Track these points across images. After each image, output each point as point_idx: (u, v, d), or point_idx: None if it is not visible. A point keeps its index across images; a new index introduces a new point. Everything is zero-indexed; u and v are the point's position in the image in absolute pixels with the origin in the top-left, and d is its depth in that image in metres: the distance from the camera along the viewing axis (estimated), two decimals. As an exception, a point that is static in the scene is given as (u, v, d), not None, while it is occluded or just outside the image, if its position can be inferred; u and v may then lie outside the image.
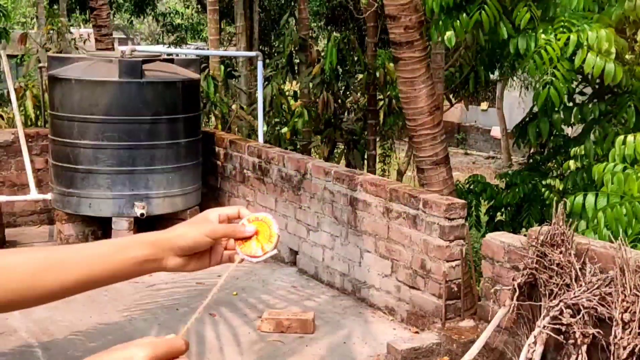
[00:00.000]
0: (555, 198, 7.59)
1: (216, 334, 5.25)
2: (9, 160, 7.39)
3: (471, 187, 8.44)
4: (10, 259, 1.14)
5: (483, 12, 5.76)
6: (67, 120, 6.65)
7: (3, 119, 8.09)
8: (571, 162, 7.14)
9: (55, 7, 12.85)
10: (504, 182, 8.33)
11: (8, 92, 7.93)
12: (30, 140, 7.40)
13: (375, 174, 8.74)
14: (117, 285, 5.88)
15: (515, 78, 14.76)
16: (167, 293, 5.97)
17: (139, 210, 6.53)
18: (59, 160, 6.77)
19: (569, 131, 8.59)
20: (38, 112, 8.32)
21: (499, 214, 8.37)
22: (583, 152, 6.91)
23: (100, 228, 6.94)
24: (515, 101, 17.84)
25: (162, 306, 5.69)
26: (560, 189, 7.60)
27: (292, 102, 8.88)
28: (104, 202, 6.61)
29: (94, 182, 6.58)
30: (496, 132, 18.60)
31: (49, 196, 7.10)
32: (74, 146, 6.63)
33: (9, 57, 8.97)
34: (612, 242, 4.53)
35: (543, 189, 7.82)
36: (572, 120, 6.84)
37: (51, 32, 9.00)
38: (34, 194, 7.19)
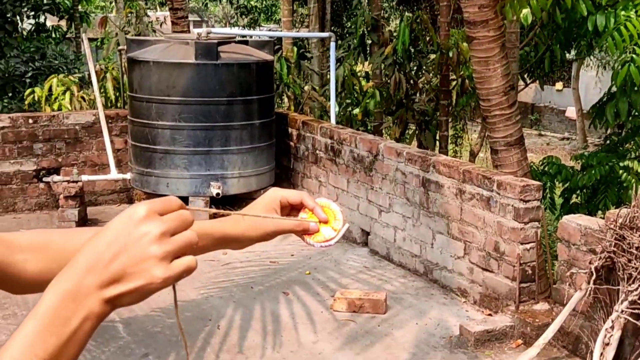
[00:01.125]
0: (633, 180, 7.43)
1: (290, 313, 5.34)
2: (90, 140, 7.64)
3: (546, 168, 8.31)
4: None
5: (562, -11, 5.64)
6: (145, 101, 6.83)
7: (85, 100, 8.35)
8: (649, 143, 6.97)
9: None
10: (580, 163, 8.17)
11: (89, 75, 8.18)
12: (110, 121, 7.62)
13: (447, 155, 8.68)
14: (194, 263, 6.01)
15: (592, 57, 14.39)
16: (242, 272, 6.10)
17: (215, 190, 6.67)
18: (137, 141, 6.96)
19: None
20: (118, 94, 8.56)
21: (574, 196, 8.22)
22: (664, 133, 6.73)
23: (177, 207, 7.11)
24: (592, 81, 17.39)
25: (237, 284, 5.82)
26: (639, 170, 7.42)
27: (363, 83, 8.88)
28: (181, 182, 6.78)
29: (171, 162, 6.75)
30: (571, 112, 18.18)
31: (128, 176, 7.32)
32: (152, 127, 6.81)
33: (90, 40, 9.24)
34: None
35: (620, 171, 7.66)
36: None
37: (130, 15, 9.22)
38: (114, 174, 7.43)
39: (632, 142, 8.26)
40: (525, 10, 5.85)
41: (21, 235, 1.16)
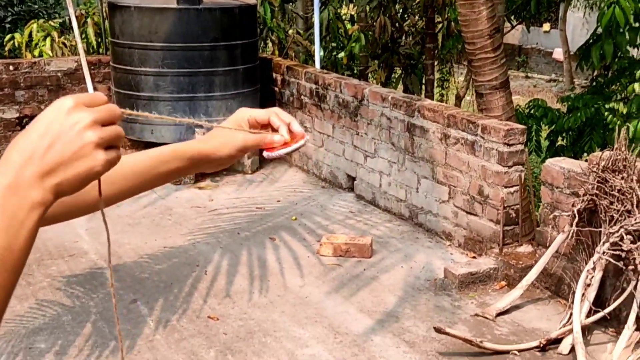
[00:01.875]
0: (618, 122, 7.46)
1: (277, 257, 5.38)
2: (72, 87, 7.56)
3: (532, 111, 8.31)
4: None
5: None
6: (127, 47, 6.74)
7: (66, 46, 8.22)
8: (636, 85, 6.97)
9: None
10: (566, 106, 8.18)
11: (70, 20, 8.05)
12: (92, 67, 7.53)
13: (433, 98, 8.66)
14: (179, 210, 6.04)
15: (578, -2, 14.27)
16: (228, 217, 6.12)
17: (199, 136, 6.64)
18: (121, 88, 6.90)
19: (634, 52, 8.34)
20: (99, 40, 8.43)
21: (559, 138, 8.24)
22: (649, 74, 6.73)
23: (162, 154, 7.09)
24: (579, 22, 17.27)
25: (224, 230, 5.85)
26: (624, 112, 7.44)
27: (348, 26, 8.79)
28: (166, 129, 6.75)
29: (155, 109, 6.71)
30: (558, 54, 18.09)
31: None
32: (135, 73, 6.73)
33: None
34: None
35: (606, 113, 7.67)
36: (638, 41, 6.63)
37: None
38: (97, 121, 7.36)
39: (617, 84, 8.26)
40: (511, -49, 5.75)
41: None
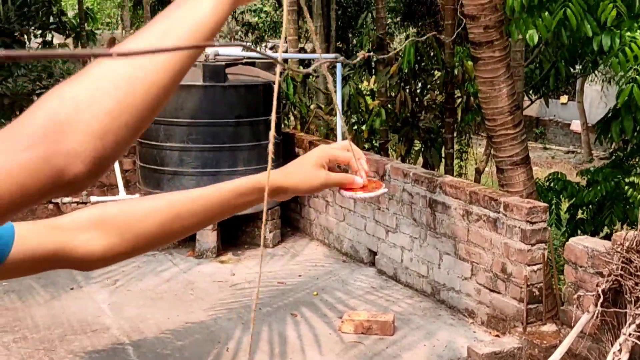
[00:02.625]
0: (639, 196, 7.45)
1: (298, 334, 5.36)
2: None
3: (551, 184, 8.33)
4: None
5: (568, 9, 5.68)
6: (153, 123, 6.86)
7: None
8: (656, 159, 6.99)
9: (140, 8, 13.21)
10: (585, 179, 8.19)
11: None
12: (117, 142, 7.65)
13: (453, 172, 8.71)
14: (202, 285, 6.06)
15: (596, 72, 14.43)
16: (250, 292, 6.13)
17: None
18: (146, 162, 7.01)
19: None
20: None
21: (579, 212, 8.23)
22: (670, 150, 6.76)
23: (184, 227, 7.15)
24: (596, 94, 17.41)
25: (246, 305, 5.85)
26: (644, 186, 7.44)
27: (369, 101, 8.92)
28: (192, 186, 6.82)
29: (179, 184, 6.80)
30: (576, 126, 18.19)
31: (136, 197, 7.37)
32: (160, 148, 6.85)
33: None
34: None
35: (626, 187, 7.67)
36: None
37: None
38: (122, 194, 7.47)
39: (637, 158, 8.29)
40: (531, 31, 5.88)
41: (78, 214, 1.19)
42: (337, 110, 7.61)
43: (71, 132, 0.78)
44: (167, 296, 6.03)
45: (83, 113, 0.79)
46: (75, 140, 0.78)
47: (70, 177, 0.79)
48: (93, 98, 0.80)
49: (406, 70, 8.46)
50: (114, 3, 20.00)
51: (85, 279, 6.39)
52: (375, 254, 6.57)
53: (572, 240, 4.76)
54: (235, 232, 7.30)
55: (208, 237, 6.83)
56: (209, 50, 6.99)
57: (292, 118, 8.89)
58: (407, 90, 8.75)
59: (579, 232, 8.26)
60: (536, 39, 6.03)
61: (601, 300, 4.31)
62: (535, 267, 5.04)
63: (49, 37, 12.72)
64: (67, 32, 13.02)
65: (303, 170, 1.33)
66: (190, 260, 6.86)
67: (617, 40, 5.77)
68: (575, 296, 4.59)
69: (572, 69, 9.06)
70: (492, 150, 6.60)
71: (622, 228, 8.54)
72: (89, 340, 5.19)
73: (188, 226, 1.26)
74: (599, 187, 7.73)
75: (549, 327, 5.00)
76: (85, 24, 13.62)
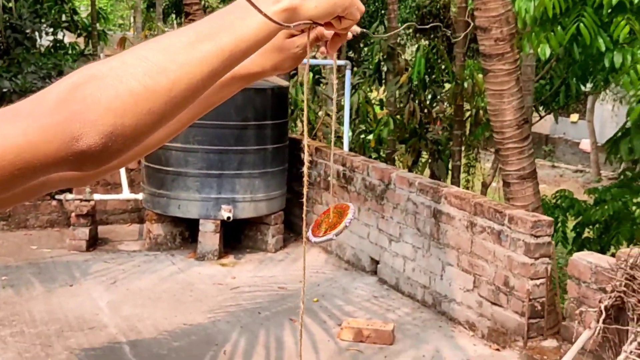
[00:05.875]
0: (646, 217, 7.38)
1: (295, 340, 5.31)
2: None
3: (558, 202, 8.28)
4: None
5: (582, 24, 5.64)
6: (159, 123, 6.85)
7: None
8: (664, 180, 6.93)
9: (152, 10, 13.24)
10: (593, 198, 8.13)
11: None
12: (124, 141, 7.64)
13: (459, 185, 8.67)
14: (201, 286, 6.02)
15: (608, 91, 14.37)
16: (249, 296, 6.08)
17: (225, 213, 6.68)
18: (150, 162, 6.99)
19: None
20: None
21: (586, 230, 8.17)
22: (678, 170, 6.70)
23: (187, 229, 7.13)
24: (607, 114, 17.35)
25: (245, 309, 5.81)
26: (653, 207, 7.38)
27: (377, 110, 8.90)
28: (192, 204, 6.79)
29: (183, 184, 6.77)
30: (585, 145, 18.12)
31: (140, 196, 7.35)
32: (165, 148, 6.83)
33: (107, 59, 9.27)
34: None
35: (634, 207, 7.61)
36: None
37: (148, 36, 9.30)
38: (126, 194, 7.45)
39: (646, 178, 8.23)
40: (543, 45, 5.84)
41: None
42: (345, 118, 7.58)
43: (93, 104, 0.81)
44: (165, 296, 5.99)
45: (108, 89, 0.82)
46: (95, 112, 0.81)
47: (83, 147, 0.81)
48: (120, 78, 0.83)
49: (416, 81, 8.45)
50: (127, 5, 20.07)
51: (83, 275, 6.36)
52: (377, 262, 6.52)
53: (575, 255, 4.71)
54: (237, 235, 7.27)
55: (210, 240, 6.80)
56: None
57: (299, 124, 8.87)
58: (416, 102, 8.73)
59: (585, 250, 8.20)
60: (548, 53, 5.99)
61: (603, 316, 4.26)
62: (538, 282, 4.98)
63: (60, 35, 12.75)
64: (79, 31, 13.05)
65: (271, 50, 1.21)
66: (190, 261, 6.82)
67: (629, 58, 5.73)
68: (578, 312, 4.53)
69: (583, 87, 9.02)
70: (500, 163, 6.56)
71: (628, 247, 8.47)
72: (86, 338, 5.15)
73: (189, 116, 1.29)
74: (606, 207, 7.67)
75: (550, 343, 4.94)
76: (97, 24, 13.65)
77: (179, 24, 18.56)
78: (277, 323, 5.57)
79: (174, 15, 16.96)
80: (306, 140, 1.27)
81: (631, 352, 4.02)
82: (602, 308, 4.25)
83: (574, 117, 18.76)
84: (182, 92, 0.87)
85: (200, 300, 5.95)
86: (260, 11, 0.93)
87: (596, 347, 4.42)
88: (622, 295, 4.19)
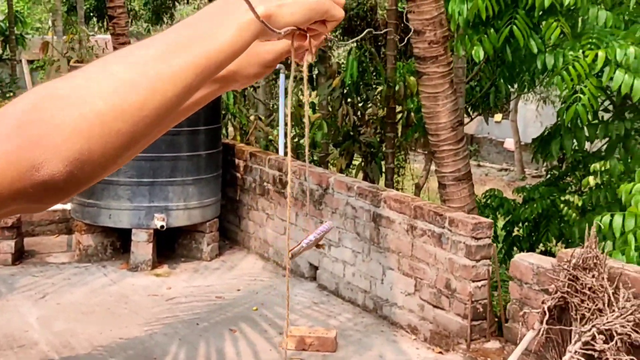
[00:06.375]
0: (574, 215, 7.54)
1: (236, 351, 5.19)
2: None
3: (488, 201, 8.38)
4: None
5: (515, 27, 5.70)
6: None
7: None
8: (590, 178, 7.08)
9: (73, 14, 12.86)
10: (521, 196, 8.26)
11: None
12: (49, 149, 7.35)
13: (393, 186, 8.68)
14: (136, 298, 5.82)
15: (531, 91, 14.71)
16: (186, 307, 5.92)
17: (158, 222, 6.49)
18: (78, 171, 6.73)
19: (587, 146, 8.53)
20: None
21: (516, 229, 8.29)
22: (604, 168, 6.86)
23: (119, 239, 6.90)
24: (530, 114, 17.76)
25: (182, 320, 5.64)
26: (579, 205, 7.54)
27: (310, 113, 8.84)
28: (124, 213, 6.58)
29: (114, 193, 6.55)
30: (510, 144, 18.52)
31: (68, 206, 7.07)
32: (94, 156, 6.60)
33: (27, 62, 8.95)
34: (640, 264, 4.47)
35: (561, 205, 7.75)
36: (597, 137, 6.78)
37: (72, 40, 8.98)
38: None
39: (571, 176, 8.41)
40: (477, 47, 5.89)
41: None
42: (280, 123, 7.48)
43: (54, 127, 0.72)
44: (99, 310, 5.77)
45: (72, 110, 0.73)
46: (58, 137, 0.72)
47: (44, 176, 0.72)
48: (85, 96, 0.75)
49: (348, 84, 8.42)
50: (44, 8, 19.44)
51: (10, 290, 6.07)
52: (316, 268, 6.45)
53: (517, 256, 4.74)
54: (171, 244, 7.08)
55: (143, 249, 6.59)
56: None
57: (231, 128, 8.72)
58: (349, 105, 8.70)
59: (515, 248, 8.34)
60: (482, 56, 6.04)
61: (546, 317, 4.29)
62: (479, 284, 5.00)
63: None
64: (-4, 35, 12.58)
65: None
66: (123, 272, 6.60)
67: (561, 59, 5.82)
68: (521, 313, 4.56)
69: (510, 87, 9.18)
70: (435, 165, 6.58)
71: (556, 245, 8.66)
72: (16, 356, 4.90)
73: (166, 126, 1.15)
74: (535, 205, 7.81)
75: (493, 344, 4.96)
76: (15, 28, 13.18)
77: (101, 28, 18.11)
78: (216, 334, 5.43)
79: (95, 19, 16.52)
80: (289, 159, 1.18)
81: (576, 352, 4.05)
82: (546, 309, 4.28)
83: (498, 117, 19.15)
84: (155, 110, 0.78)
85: (135, 312, 5.75)
86: (254, 13, 0.85)
87: (540, 347, 4.45)
88: (565, 295, 4.22)
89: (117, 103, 0.75)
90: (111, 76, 0.77)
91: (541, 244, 8.25)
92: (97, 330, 5.38)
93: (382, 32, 8.24)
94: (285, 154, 7.62)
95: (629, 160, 6.66)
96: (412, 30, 6.21)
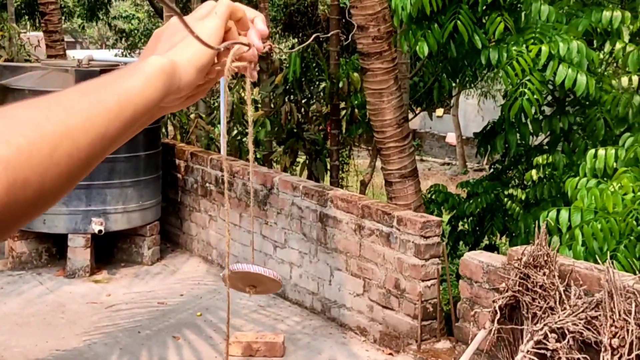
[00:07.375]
0: (517, 209, 7.55)
1: (180, 359, 5.00)
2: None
3: (433, 196, 8.34)
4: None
5: (459, 22, 5.63)
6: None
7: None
8: (533, 172, 7.10)
9: (3, 11, 12.39)
10: (466, 191, 8.25)
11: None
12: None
13: (338, 184, 8.57)
14: (73, 307, 5.57)
15: (473, 86, 14.80)
16: (127, 314, 5.69)
17: (96, 226, 6.23)
18: (10, 174, 6.43)
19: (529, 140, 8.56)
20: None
21: (460, 224, 8.28)
22: (547, 162, 6.87)
23: (54, 245, 6.62)
24: (471, 108, 17.90)
25: (123, 329, 5.42)
26: (523, 199, 7.55)
27: (252, 111, 8.65)
28: (59, 218, 6.30)
29: (48, 198, 6.26)
30: (451, 138, 18.63)
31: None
32: (26, 159, 6.30)
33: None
34: (588, 260, 4.44)
35: (505, 199, 7.76)
36: (542, 131, 6.78)
37: (2, 38, 8.60)
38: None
39: (514, 170, 8.43)
40: (421, 43, 5.80)
41: None
42: (221, 122, 7.29)
43: None
44: (34, 320, 5.50)
45: None
46: None
47: None
48: None
49: (291, 81, 8.26)
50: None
51: (-61, 304, 5.75)
52: (261, 270, 6.28)
53: (467, 255, 4.66)
54: (110, 249, 6.82)
55: (80, 255, 6.33)
56: (83, 54, 6.51)
57: (170, 127, 8.48)
58: (293, 102, 8.54)
59: (461, 243, 8.33)
60: (426, 51, 5.96)
61: (498, 316, 4.21)
62: (429, 283, 4.91)
63: None
64: None
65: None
66: (60, 280, 6.32)
67: (505, 54, 5.78)
68: (472, 313, 4.48)
69: (453, 83, 9.16)
70: (381, 163, 6.49)
71: (501, 239, 8.68)
72: (-56, 375, 4.62)
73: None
74: (479, 199, 7.79)
75: (444, 344, 4.88)
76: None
77: (33, 26, 17.55)
78: (159, 342, 5.23)
79: (27, 17, 15.99)
80: (225, 159, 1.03)
81: (528, 351, 3.99)
82: (497, 308, 4.21)
83: (439, 111, 19.26)
84: (65, 158, 0.70)
85: (73, 322, 5.50)
86: (193, 34, 0.87)
87: (491, 347, 4.38)
88: (516, 294, 4.16)
89: (23, 146, 0.66)
90: (15, 118, 0.70)
91: (486, 238, 8.25)
92: (32, 342, 5.12)
93: (329, 34, 8.10)
94: (228, 153, 7.44)
95: (573, 154, 6.68)
96: (356, 26, 6.10)
